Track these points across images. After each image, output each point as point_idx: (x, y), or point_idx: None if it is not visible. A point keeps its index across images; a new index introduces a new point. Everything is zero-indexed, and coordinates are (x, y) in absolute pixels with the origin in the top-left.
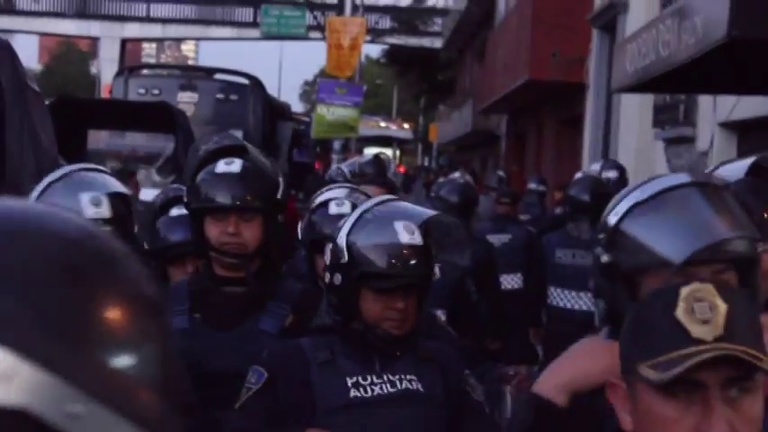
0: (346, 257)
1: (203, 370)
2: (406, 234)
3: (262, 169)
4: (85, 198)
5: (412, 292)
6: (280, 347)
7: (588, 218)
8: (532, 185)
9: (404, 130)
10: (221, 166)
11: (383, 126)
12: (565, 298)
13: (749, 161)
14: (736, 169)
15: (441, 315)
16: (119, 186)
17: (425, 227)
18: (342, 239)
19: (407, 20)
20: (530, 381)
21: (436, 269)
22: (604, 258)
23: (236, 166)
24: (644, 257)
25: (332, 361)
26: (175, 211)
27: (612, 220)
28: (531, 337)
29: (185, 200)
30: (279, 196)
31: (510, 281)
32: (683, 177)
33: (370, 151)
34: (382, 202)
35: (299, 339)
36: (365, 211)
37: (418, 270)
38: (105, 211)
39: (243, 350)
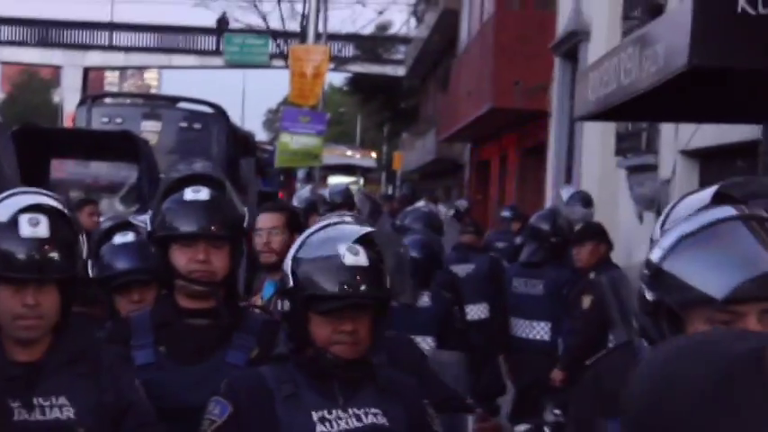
0: (291, 282)
1: (170, 404)
2: (350, 255)
3: (229, 198)
4: (24, 218)
5: (362, 314)
6: (239, 377)
7: (541, 244)
8: (505, 214)
9: (367, 158)
10: (189, 194)
11: (347, 154)
12: (519, 327)
13: (711, 190)
14: (699, 200)
15: (430, 342)
16: (58, 206)
17: (377, 248)
18: (287, 265)
19: (370, 48)
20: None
21: (425, 297)
22: (648, 296)
23: (204, 193)
24: (687, 293)
25: (296, 394)
26: (119, 239)
27: (657, 255)
28: (501, 366)
29: (149, 228)
30: (244, 225)
31: (476, 311)
32: (728, 210)
33: (334, 180)
34: (327, 225)
35: (258, 368)
36: (309, 235)
37: (365, 291)
38: (43, 230)
39: (211, 384)
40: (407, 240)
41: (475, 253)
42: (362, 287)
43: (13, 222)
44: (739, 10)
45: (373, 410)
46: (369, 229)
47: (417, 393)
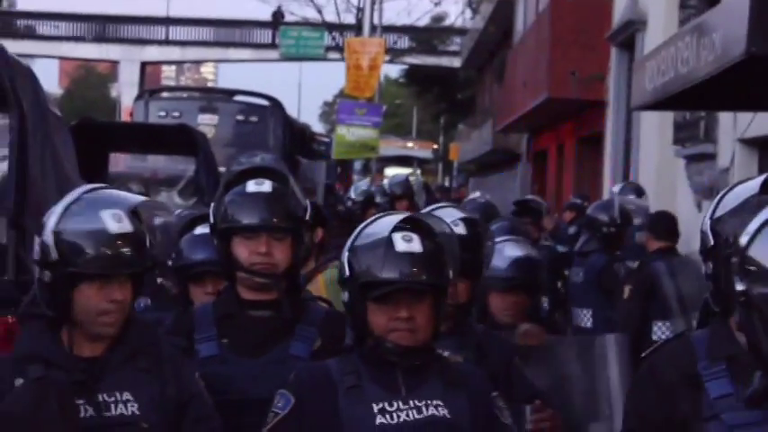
0: (348, 272)
1: (233, 397)
2: (402, 242)
3: (291, 190)
4: (107, 214)
5: (418, 301)
6: (305, 370)
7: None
8: (576, 201)
9: (424, 149)
10: (251, 187)
11: (404, 146)
12: (576, 316)
13: (761, 179)
14: (748, 189)
15: None
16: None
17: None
18: (344, 255)
19: (426, 39)
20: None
21: None
22: (739, 287)
23: (266, 186)
24: None
25: (359, 386)
26: (200, 230)
27: (744, 240)
28: None
29: (211, 220)
30: (306, 217)
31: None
32: None
33: (391, 171)
34: (384, 215)
35: (325, 361)
36: (365, 226)
37: (418, 277)
38: (127, 225)
39: (275, 376)
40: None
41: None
42: (415, 273)
43: (98, 219)
44: None
45: (435, 402)
46: (422, 217)
47: (485, 385)
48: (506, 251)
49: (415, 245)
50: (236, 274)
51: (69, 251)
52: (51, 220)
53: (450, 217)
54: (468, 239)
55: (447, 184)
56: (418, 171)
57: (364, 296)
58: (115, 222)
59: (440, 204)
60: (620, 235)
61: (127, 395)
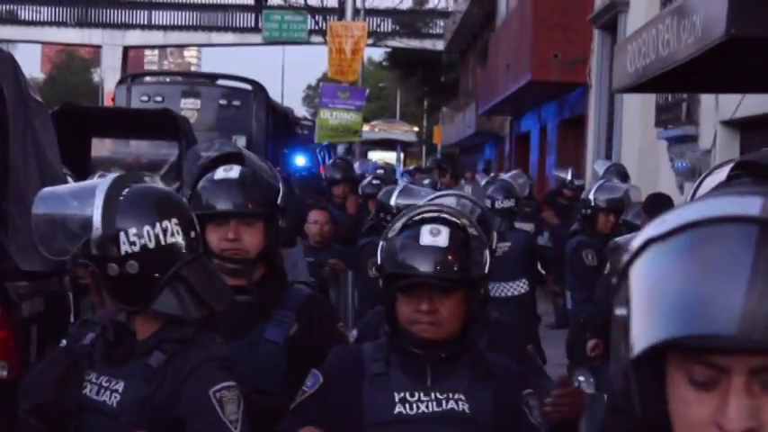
0: (380, 259)
1: None
2: (429, 235)
3: (261, 175)
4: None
5: (444, 295)
6: (339, 352)
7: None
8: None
9: (408, 132)
10: (220, 173)
11: (387, 129)
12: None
13: (729, 166)
14: (718, 178)
15: None
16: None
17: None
18: (381, 243)
19: (409, 22)
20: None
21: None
22: (620, 311)
23: (234, 172)
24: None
25: (385, 374)
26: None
27: (625, 257)
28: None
29: None
30: (279, 201)
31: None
32: (737, 203)
33: (375, 155)
34: (426, 206)
35: (361, 345)
36: (404, 215)
37: (439, 271)
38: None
39: (250, 360)
40: None
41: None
42: (437, 268)
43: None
44: None
45: (457, 396)
46: (454, 211)
47: (515, 381)
48: None
49: (442, 239)
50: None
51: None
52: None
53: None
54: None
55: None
56: (393, 154)
57: (392, 286)
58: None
59: (444, 192)
60: (595, 217)
61: (119, 386)
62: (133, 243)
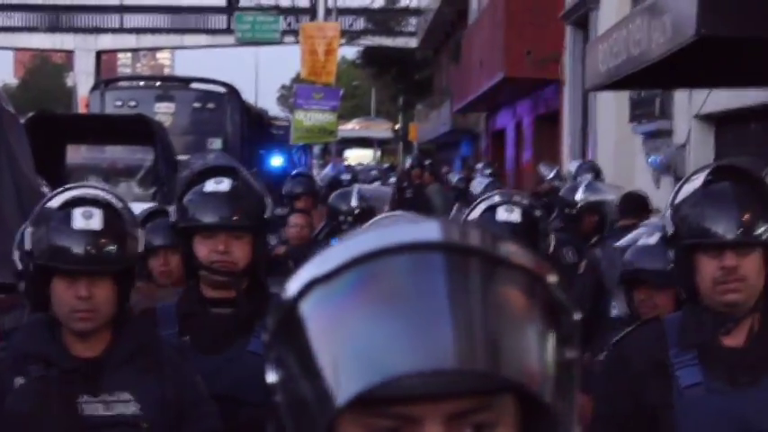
0: None
1: None
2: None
3: (250, 188)
4: (77, 211)
5: None
6: None
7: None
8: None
9: (383, 130)
10: (210, 185)
11: (362, 127)
12: None
13: (703, 176)
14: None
15: None
16: (112, 199)
17: None
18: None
19: (381, 21)
20: None
21: None
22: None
23: (225, 185)
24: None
25: None
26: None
27: (289, 291)
28: None
29: (171, 219)
30: (267, 215)
31: None
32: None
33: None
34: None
35: None
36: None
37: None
38: (96, 223)
39: (232, 373)
40: None
41: None
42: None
43: (66, 215)
44: None
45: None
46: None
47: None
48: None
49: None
50: (198, 273)
51: (45, 246)
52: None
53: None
54: (522, 226)
55: (407, 165)
56: (369, 151)
57: None
58: (83, 219)
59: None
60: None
61: (127, 395)
62: None
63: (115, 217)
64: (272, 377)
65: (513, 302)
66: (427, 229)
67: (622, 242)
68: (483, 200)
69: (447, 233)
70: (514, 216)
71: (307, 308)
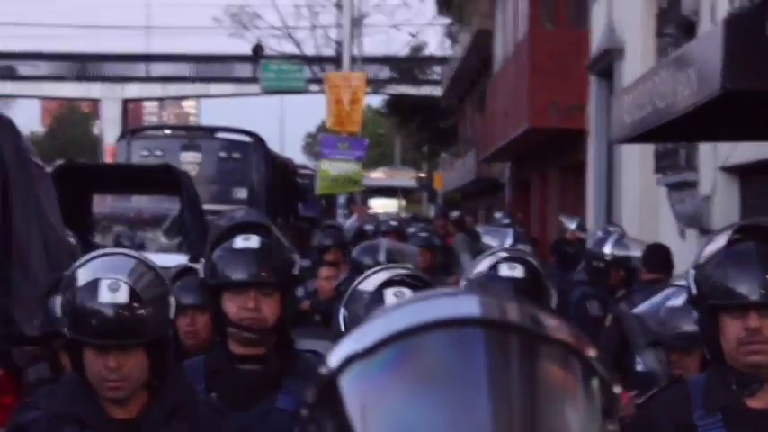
0: None
1: None
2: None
3: (279, 245)
4: (104, 283)
5: None
6: None
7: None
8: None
9: (408, 179)
10: (239, 242)
11: (387, 176)
12: None
13: (726, 237)
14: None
15: None
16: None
17: None
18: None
19: (406, 69)
20: None
21: None
22: None
23: (254, 241)
24: None
25: None
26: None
27: (331, 363)
28: None
29: (201, 276)
30: (295, 272)
31: None
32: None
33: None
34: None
35: None
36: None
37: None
38: (123, 296)
39: (261, 429)
40: None
41: None
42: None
43: (93, 287)
44: None
45: None
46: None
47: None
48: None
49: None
50: (227, 330)
51: (71, 317)
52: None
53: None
54: (525, 282)
55: (432, 213)
56: (394, 201)
57: None
58: (109, 292)
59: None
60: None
61: None
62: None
63: (146, 286)
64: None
65: (552, 379)
66: (466, 304)
67: (650, 303)
68: (487, 255)
69: (486, 308)
70: (518, 272)
71: (346, 382)
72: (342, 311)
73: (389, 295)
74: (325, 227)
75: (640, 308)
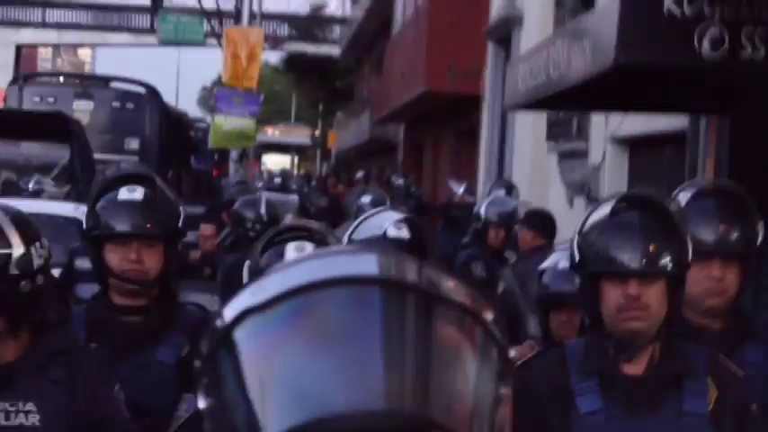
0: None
1: None
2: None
3: (164, 197)
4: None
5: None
6: None
7: None
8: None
9: (302, 136)
10: (124, 194)
11: (281, 132)
12: None
13: (611, 204)
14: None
15: None
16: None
17: None
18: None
19: (306, 28)
20: None
21: None
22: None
23: (138, 193)
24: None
25: None
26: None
27: (220, 321)
28: None
29: (83, 226)
30: (179, 225)
31: None
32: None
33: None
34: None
35: None
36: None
37: None
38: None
39: (140, 380)
40: None
41: None
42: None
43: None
44: (665, 10)
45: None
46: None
47: None
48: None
49: (404, 231)
50: (109, 280)
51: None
52: None
53: (390, 219)
54: (411, 242)
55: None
56: (287, 157)
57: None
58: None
59: (378, 210)
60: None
61: (30, 405)
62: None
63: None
64: (201, 403)
65: (448, 341)
66: (366, 263)
67: (542, 266)
68: (370, 216)
69: (385, 268)
70: (404, 233)
71: (240, 337)
72: (247, 263)
73: (291, 249)
74: (237, 183)
75: (526, 270)
